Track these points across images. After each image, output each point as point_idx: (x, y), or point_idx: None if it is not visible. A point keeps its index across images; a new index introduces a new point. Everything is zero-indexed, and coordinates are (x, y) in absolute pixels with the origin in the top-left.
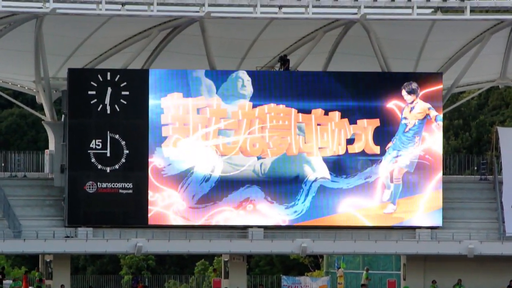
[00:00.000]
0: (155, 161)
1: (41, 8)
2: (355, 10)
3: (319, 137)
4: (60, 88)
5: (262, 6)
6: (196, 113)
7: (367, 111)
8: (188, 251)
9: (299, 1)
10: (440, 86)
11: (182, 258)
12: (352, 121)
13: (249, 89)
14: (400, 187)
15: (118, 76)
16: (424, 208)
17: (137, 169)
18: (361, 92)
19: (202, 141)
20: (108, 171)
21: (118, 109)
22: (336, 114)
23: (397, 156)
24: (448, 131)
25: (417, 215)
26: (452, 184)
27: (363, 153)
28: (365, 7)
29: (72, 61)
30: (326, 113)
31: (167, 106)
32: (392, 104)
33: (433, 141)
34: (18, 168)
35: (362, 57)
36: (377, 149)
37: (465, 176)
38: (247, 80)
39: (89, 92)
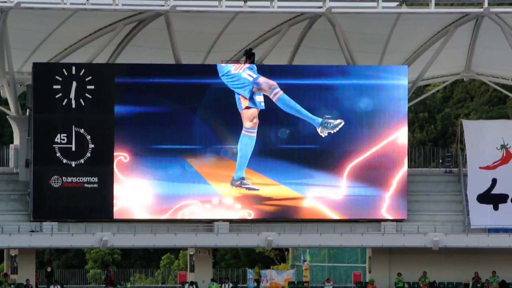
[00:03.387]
0: (120, 155)
1: (5, 2)
2: (320, 4)
3: None
4: (25, 83)
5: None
6: None
7: None
8: (153, 245)
9: None
10: None
11: (148, 252)
12: None
13: None
14: None
15: (83, 70)
16: None
17: (102, 163)
18: None
19: None
20: (73, 165)
21: (83, 103)
22: None
23: None
24: (413, 124)
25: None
26: (417, 177)
27: None
28: (330, 0)
29: (37, 55)
30: None
31: None
32: None
33: None
34: None
35: (328, 51)
36: None
37: (430, 168)
38: None
39: (54, 87)
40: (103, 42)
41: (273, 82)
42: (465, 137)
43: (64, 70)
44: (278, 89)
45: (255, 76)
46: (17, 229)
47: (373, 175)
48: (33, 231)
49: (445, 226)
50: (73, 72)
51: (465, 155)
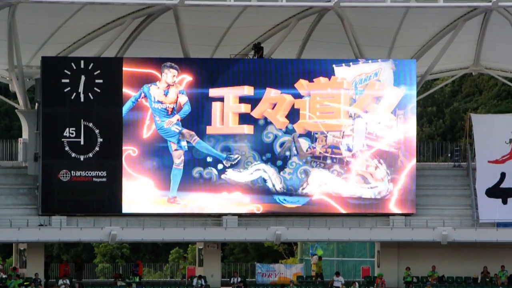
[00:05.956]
0: (129, 149)
1: None
2: None
3: None
4: (33, 76)
5: None
6: None
7: None
8: (162, 239)
9: None
10: None
11: (157, 246)
12: None
13: None
14: None
15: (92, 64)
16: None
17: (111, 157)
18: None
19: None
20: (82, 159)
21: (92, 97)
22: None
23: None
24: (421, 118)
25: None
26: (426, 171)
27: None
28: None
29: (45, 49)
30: None
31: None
32: None
33: None
34: None
35: (336, 45)
36: None
37: (438, 163)
38: None
39: (63, 80)
40: (111, 36)
41: (192, 132)
42: (474, 131)
43: (72, 64)
44: (196, 137)
45: (180, 128)
46: (25, 223)
47: (381, 169)
48: (42, 225)
49: (454, 220)
50: (82, 66)
51: (474, 149)
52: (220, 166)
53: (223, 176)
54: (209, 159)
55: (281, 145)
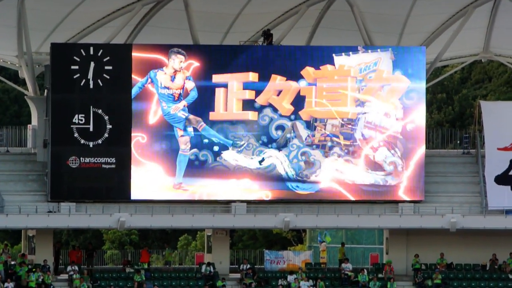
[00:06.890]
0: (138, 135)
1: None
2: None
3: None
4: (43, 63)
5: None
6: None
7: None
8: (171, 225)
9: None
10: None
11: (165, 232)
12: None
13: None
14: None
15: (101, 50)
16: None
17: (120, 144)
18: None
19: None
20: (91, 146)
21: (101, 84)
22: None
23: None
24: (431, 105)
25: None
26: (435, 158)
27: None
28: None
29: (55, 36)
30: None
31: None
32: None
33: None
34: (0, 143)
35: (346, 32)
36: None
37: (447, 150)
38: None
39: (72, 67)
40: (121, 23)
41: (199, 118)
42: (483, 118)
43: (82, 50)
44: (202, 123)
45: (186, 114)
46: (34, 210)
47: (390, 156)
48: (50, 212)
49: (463, 208)
50: (91, 52)
51: (483, 136)
52: (215, 148)
53: (218, 158)
54: (205, 141)
55: (277, 128)
